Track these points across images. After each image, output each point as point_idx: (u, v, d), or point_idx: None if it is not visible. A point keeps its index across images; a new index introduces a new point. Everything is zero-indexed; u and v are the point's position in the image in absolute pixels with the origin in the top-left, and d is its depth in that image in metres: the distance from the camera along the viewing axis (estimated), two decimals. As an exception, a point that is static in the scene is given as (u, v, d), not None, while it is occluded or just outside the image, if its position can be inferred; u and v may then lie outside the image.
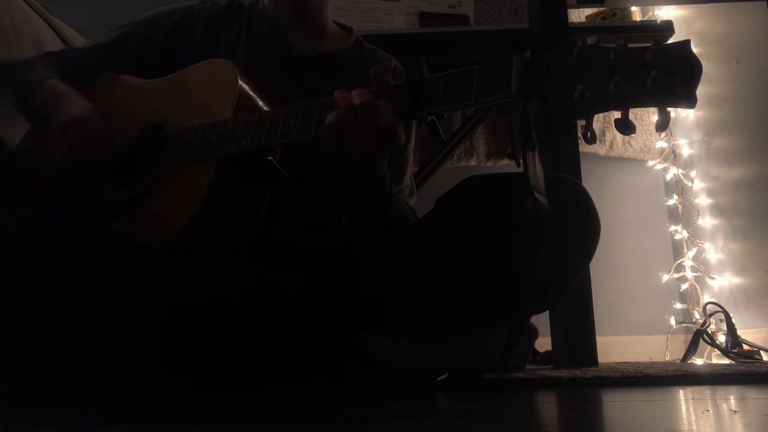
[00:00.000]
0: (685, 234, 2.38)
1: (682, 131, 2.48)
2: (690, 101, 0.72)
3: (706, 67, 0.73)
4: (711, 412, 0.67)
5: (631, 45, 0.77)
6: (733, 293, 2.19)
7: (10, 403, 0.80)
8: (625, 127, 0.76)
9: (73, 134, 1.04)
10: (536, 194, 0.83)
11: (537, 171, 0.84)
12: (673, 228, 2.42)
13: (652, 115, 2.36)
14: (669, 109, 0.75)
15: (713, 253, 2.30)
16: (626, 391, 0.96)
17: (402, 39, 1.87)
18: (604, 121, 2.40)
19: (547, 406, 0.80)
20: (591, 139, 0.77)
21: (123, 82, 1.18)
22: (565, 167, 1.47)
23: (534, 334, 1.41)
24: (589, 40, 0.79)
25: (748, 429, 0.55)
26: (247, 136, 0.96)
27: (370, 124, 0.88)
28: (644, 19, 2.37)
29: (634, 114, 2.36)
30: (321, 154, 0.94)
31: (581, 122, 0.79)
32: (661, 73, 0.73)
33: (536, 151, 0.83)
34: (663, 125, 0.75)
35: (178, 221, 0.94)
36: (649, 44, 0.75)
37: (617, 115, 0.77)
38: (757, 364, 1.57)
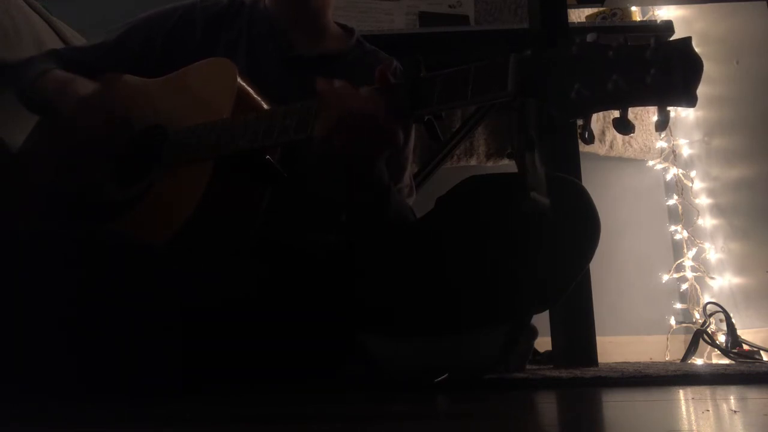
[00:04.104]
0: (685, 234, 2.38)
1: (682, 131, 2.48)
2: (690, 100, 0.72)
3: (707, 66, 0.72)
4: (711, 412, 0.67)
5: (630, 43, 0.76)
6: (733, 293, 2.19)
7: (10, 403, 0.80)
8: (624, 126, 0.75)
9: (96, 106, 1.06)
10: (535, 195, 0.83)
11: (537, 171, 0.84)
12: (673, 228, 2.42)
13: (652, 115, 2.36)
14: (669, 108, 0.74)
15: (713, 253, 2.30)
16: (626, 391, 0.96)
17: (402, 39, 1.87)
18: (604, 121, 2.40)
19: (547, 406, 0.80)
20: (589, 139, 0.77)
21: (123, 81, 1.18)
22: (565, 167, 1.47)
23: (534, 334, 1.41)
24: (589, 37, 0.78)
25: (748, 429, 0.55)
26: (245, 135, 0.96)
27: (368, 122, 0.88)
28: (644, 19, 2.37)
29: (634, 114, 2.36)
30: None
31: (579, 122, 0.78)
32: (661, 71, 0.72)
33: (535, 151, 0.83)
34: (662, 125, 0.74)
35: (177, 221, 0.94)
36: (649, 42, 0.74)
37: (617, 114, 0.76)
38: (757, 364, 1.57)
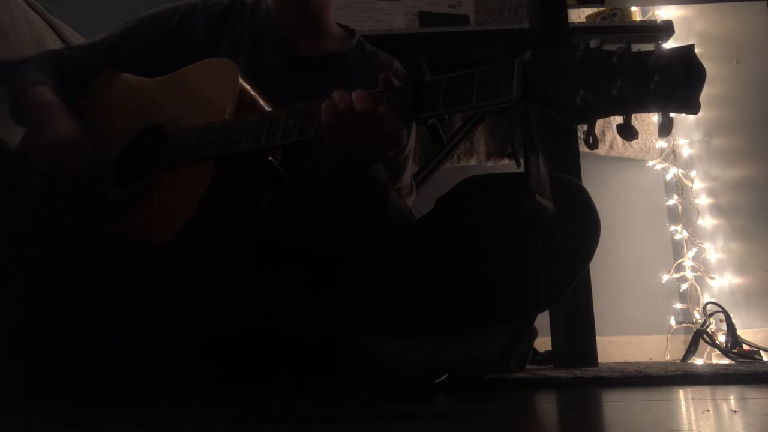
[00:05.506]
0: (685, 234, 2.38)
1: (682, 131, 2.48)
2: (693, 107, 0.72)
3: (706, 67, 0.72)
4: (711, 412, 0.67)
5: (633, 49, 0.76)
6: (733, 293, 2.19)
7: (9, 403, 0.80)
8: (628, 132, 0.75)
9: (51, 158, 1.04)
10: (539, 197, 0.83)
11: (541, 174, 0.84)
12: (673, 228, 2.42)
13: (653, 116, 2.36)
14: (672, 114, 0.74)
15: (713, 253, 2.30)
16: (626, 391, 0.96)
17: (402, 39, 1.87)
18: (604, 120, 2.40)
19: (547, 406, 0.80)
20: (593, 145, 0.76)
21: (123, 80, 1.18)
22: (565, 167, 1.47)
23: (534, 334, 1.41)
24: (592, 43, 0.78)
25: (748, 429, 0.55)
26: (247, 136, 0.96)
27: (372, 127, 0.88)
28: (644, 19, 2.37)
29: (635, 114, 2.36)
30: (322, 155, 0.94)
31: (582, 127, 0.78)
32: (664, 78, 0.72)
33: (539, 154, 0.83)
34: (666, 130, 0.74)
35: (177, 222, 0.94)
36: (652, 48, 0.74)
37: (620, 119, 0.76)
38: (757, 364, 1.57)
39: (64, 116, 1.08)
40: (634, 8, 2.13)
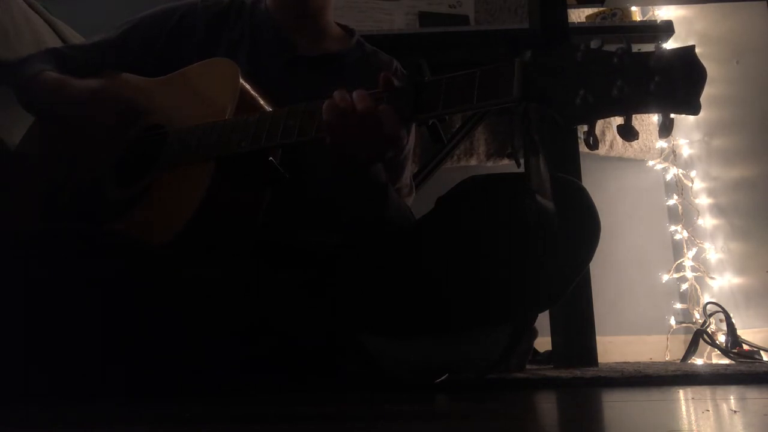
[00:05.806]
0: (685, 234, 2.38)
1: (682, 131, 2.48)
2: (694, 108, 0.72)
3: (707, 67, 0.72)
4: (711, 412, 0.67)
5: (634, 49, 0.76)
6: (733, 293, 2.19)
7: (9, 403, 0.80)
8: (628, 133, 0.75)
9: (107, 96, 1.08)
10: (540, 198, 0.82)
11: (542, 174, 0.84)
12: (673, 228, 2.42)
13: (653, 116, 2.36)
14: (672, 114, 0.74)
15: (713, 253, 2.30)
16: (626, 391, 0.96)
17: (402, 39, 1.87)
18: (604, 121, 2.40)
19: (547, 406, 0.80)
20: (593, 145, 0.76)
21: (123, 80, 1.18)
22: (565, 167, 1.47)
23: (534, 334, 1.41)
24: (593, 43, 0.78)
25: (748, 429, 0.55)
26: (247, 136, 0.96)
27: (372, 127, 0.88)
28: (644, 19, 2.37)
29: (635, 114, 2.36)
30: (322, 155, 0.94)
31: (583, 127, 0.78)
32: (665, 78, 0.72)
33: (540, 155, 0.83)
34: (666, 131, 0.74)
35: (177, 222, 0.94)
36: (652, 49, 0.74)
37: (620, 120, 0.76)
38: (757, 364, 1.57)
39: (82, 81, 1.12)
40: (634, 8, 2.13)
